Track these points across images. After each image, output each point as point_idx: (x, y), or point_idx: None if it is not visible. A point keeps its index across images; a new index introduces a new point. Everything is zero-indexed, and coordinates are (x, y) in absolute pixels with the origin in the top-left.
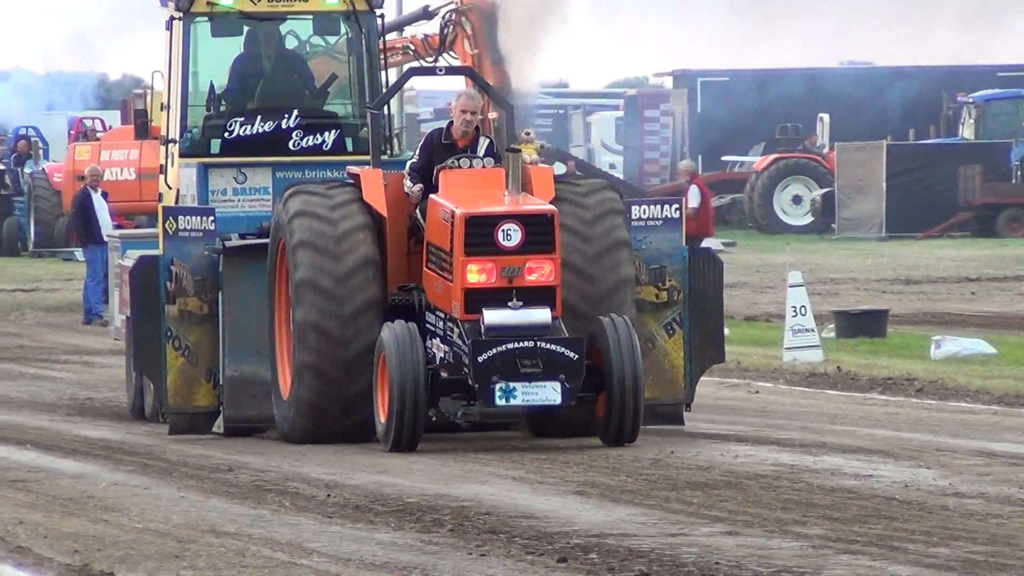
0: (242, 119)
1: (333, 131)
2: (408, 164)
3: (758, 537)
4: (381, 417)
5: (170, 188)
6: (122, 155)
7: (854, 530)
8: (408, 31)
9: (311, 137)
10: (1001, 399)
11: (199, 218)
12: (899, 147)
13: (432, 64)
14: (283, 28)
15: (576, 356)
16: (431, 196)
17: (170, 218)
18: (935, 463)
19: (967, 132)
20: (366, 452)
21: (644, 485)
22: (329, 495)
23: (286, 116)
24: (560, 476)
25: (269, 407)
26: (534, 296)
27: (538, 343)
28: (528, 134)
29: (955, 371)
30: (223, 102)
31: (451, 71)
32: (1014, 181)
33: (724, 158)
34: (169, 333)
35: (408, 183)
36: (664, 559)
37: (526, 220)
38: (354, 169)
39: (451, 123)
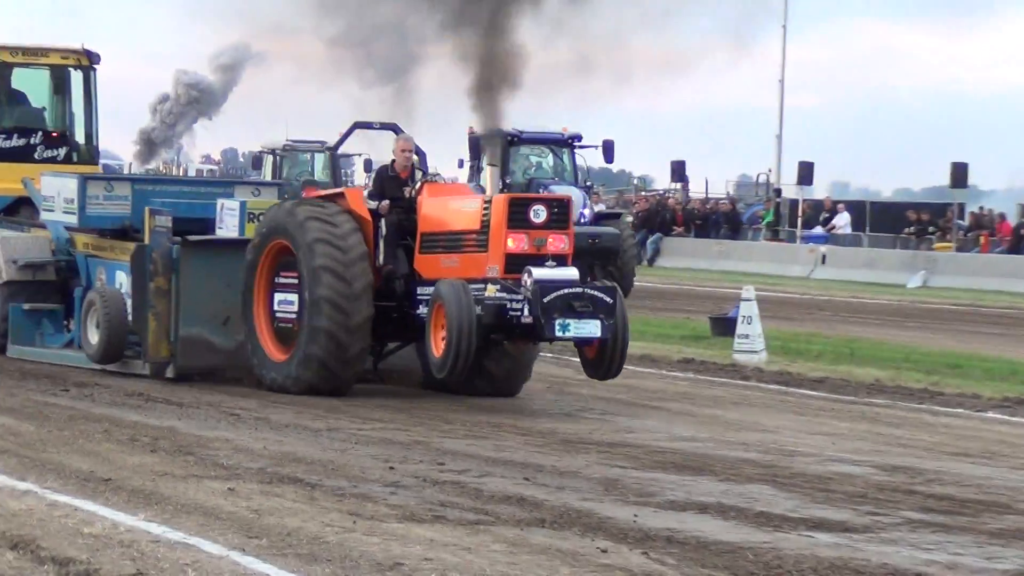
0: (3, 135)
1: (64, 147)
2: (366, 192)
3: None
4: (436, 352)
5: None
6: None
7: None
8: None
9: (50, 151)
10: None
11: (165, 218)
12: None
13: (369, 121)
14: (24, 74)
15: (612, 300)
16: (428, 199)
17: (154, 216)
18: None
19: None
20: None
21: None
22: None
23: (33, 135)
24: None
25: (210, 359)
26: (554, 261)
27: (585, 289)
28: (437, 173)
29: None
30: None
31: (384, 126)
32: None
33: None
34: (149, 303)
35: (372, 203)
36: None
37: (550, 203)
38: (315, 192)
39: (394, 160)
